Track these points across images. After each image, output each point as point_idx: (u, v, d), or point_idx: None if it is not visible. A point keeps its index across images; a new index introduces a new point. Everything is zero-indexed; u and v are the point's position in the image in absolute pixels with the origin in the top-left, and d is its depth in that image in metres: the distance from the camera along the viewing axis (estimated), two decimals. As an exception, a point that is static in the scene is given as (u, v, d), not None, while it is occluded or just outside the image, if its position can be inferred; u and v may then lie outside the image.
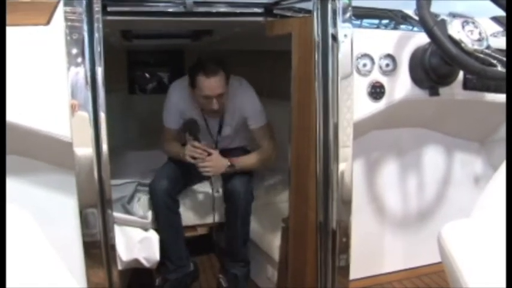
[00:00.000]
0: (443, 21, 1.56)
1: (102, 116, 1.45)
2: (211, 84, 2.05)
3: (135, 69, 3.76)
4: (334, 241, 1.65)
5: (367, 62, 1.69)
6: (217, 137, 2.33)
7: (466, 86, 1.83)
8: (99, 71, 1.44)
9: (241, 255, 2.25)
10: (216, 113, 2.22)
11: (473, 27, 1.59)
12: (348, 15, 1.57)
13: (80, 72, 1.42)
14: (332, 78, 1.59)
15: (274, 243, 2.07)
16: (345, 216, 1.65)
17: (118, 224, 1.80)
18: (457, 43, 1.54)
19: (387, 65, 1.72)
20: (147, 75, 3.78)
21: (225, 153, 2.25)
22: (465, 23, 1.59)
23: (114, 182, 1.57)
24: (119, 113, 3.48)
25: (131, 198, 2.31)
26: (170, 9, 1.72)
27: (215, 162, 2.14)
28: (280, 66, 2.22)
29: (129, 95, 3.74)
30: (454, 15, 1.62)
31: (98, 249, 1.49)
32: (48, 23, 1.43)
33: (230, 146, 2.39)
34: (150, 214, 2.12)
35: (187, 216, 2.34)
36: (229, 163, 2.16)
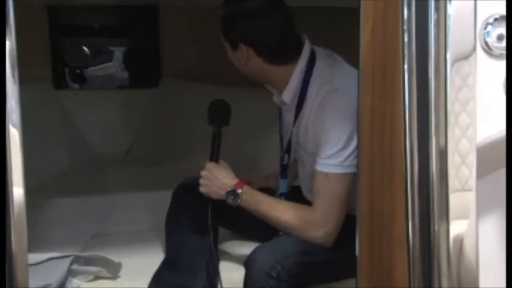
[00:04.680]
0: None
1: (14, 133, 0.85)
2: None
3: (63, 39, 2.19)
4: None
5: (504, 32, 0.92)
6: (287, 144, 1.53)
7: None
8: (9, 46, 0.84)
9: None
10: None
11: None
12: None
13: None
14: (435, 60, 0.89)
15: None
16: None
17: None
18: None
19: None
20: (86, 50, 2.27)
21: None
22: None
23: (30, 257, 0.89)
24: (35, 125, 2.03)
25: None
26: None
27: (212, 176, 1.41)
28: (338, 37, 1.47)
29: (53, 91, 2.24)
30: None
31: None
32: None
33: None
34: None
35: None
36: (234, 185, 1.40)
